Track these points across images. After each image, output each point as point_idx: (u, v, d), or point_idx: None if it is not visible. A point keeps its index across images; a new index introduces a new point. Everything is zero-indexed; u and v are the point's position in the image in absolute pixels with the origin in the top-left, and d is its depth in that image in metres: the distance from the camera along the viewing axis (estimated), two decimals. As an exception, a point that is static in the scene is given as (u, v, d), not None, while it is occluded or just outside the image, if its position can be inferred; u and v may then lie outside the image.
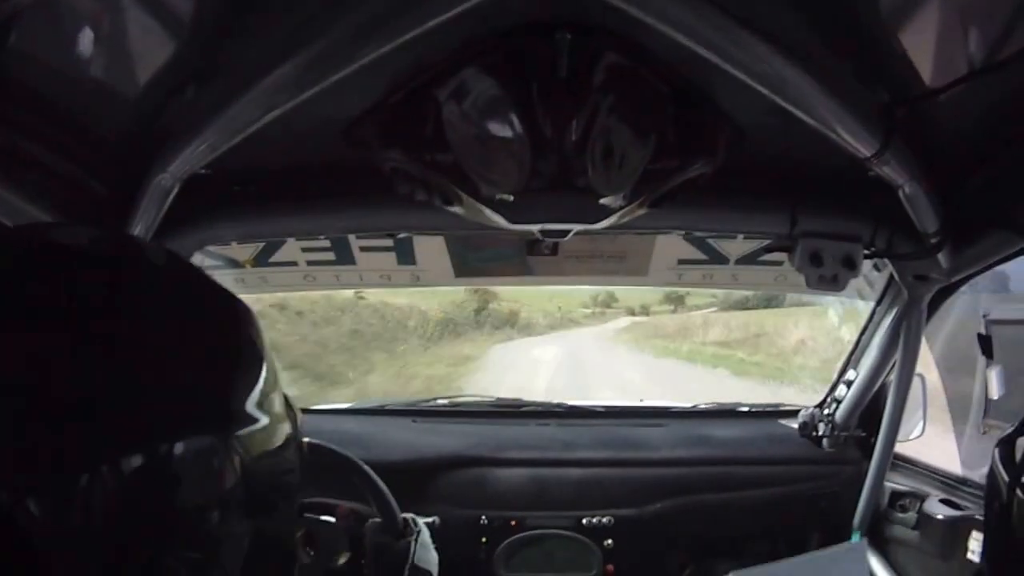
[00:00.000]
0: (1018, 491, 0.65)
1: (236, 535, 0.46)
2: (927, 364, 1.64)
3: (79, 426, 0.39)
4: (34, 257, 0.44)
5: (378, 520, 1.02)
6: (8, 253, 0.43)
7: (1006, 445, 0.72)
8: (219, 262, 1.41)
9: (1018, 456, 0.69)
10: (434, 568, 1.03)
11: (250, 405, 0.46)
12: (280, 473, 0.50)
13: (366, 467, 1.04)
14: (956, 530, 1.35)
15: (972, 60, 0.80)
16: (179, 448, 0.41)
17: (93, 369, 0.41)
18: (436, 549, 1.06)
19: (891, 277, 1.36)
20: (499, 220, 1.01)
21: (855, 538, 1.53)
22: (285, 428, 0.51)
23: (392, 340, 9.14)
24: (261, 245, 1.39)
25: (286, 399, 0.53)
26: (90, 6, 0.74)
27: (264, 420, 0.47)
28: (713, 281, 1.54)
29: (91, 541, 0.39)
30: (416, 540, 1.01)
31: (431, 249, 1.43)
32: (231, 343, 0.48)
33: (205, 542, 0.44)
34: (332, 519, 1.01)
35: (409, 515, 1.04)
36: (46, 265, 0.43)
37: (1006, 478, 0.68)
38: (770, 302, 10.01)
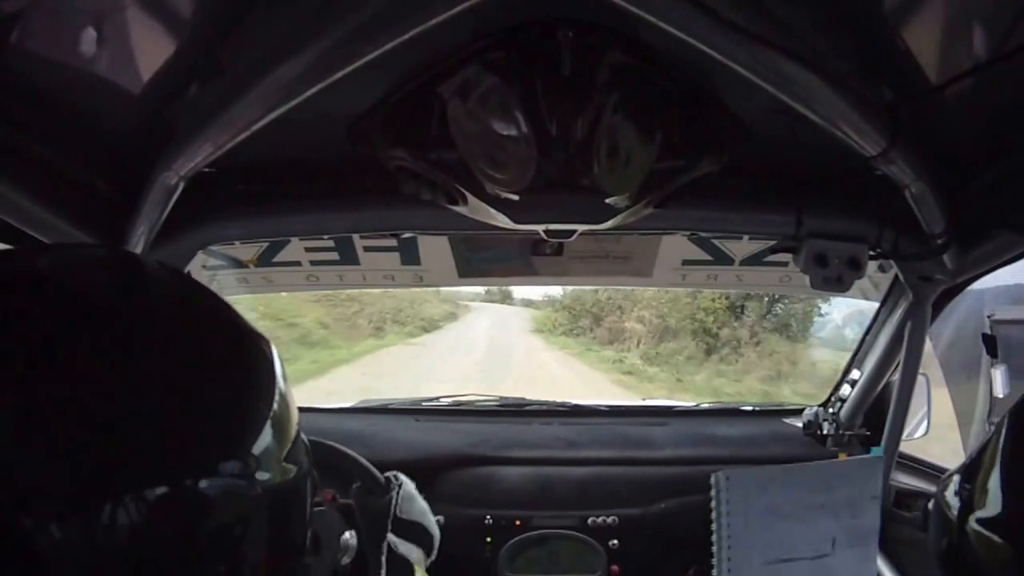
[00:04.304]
0: (971, 522, 0.64)
1: (254, 562, 0.48)
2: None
3: (103, 456, 0.41)
4: (50, 285, 0.45)
5: (359, 484, 1.01)
6: (24, 283, 0.45)
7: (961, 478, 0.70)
8: (222, 262, 1.41)
9: (962, 496, 0.68)
10: (423, 517, 1.02)
11: (269, 442, 0.48)
12: (297, 504, 0.53)
13: (328, 441, 1.02)
14: None
15: (978, 57, 0.80)
16: (200, 483, 0.43)
17: (116, 401, 0.42)
18: (440, 549, 1.05)
19: (896, 277, 1.36)
20: (503, 220, 1.00)
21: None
22: (302, 457, 0.53)
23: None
24: (264, 245, 1.38)
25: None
26: (93, 3, 0.74)
27: (283, 459, 0.49)
28: (717, 282, 1.53)
29: (106, 570, 0.40)
30: (398, 493, 1.00)
31: (435, 249, 1.43)
32: (251, 381, 0.50)
33: (220, 571, 0.45)
34: (322, 508, 1.00)
35: (391, 472, 1.03)
36: (63, 295, 0.45)
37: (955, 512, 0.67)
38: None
